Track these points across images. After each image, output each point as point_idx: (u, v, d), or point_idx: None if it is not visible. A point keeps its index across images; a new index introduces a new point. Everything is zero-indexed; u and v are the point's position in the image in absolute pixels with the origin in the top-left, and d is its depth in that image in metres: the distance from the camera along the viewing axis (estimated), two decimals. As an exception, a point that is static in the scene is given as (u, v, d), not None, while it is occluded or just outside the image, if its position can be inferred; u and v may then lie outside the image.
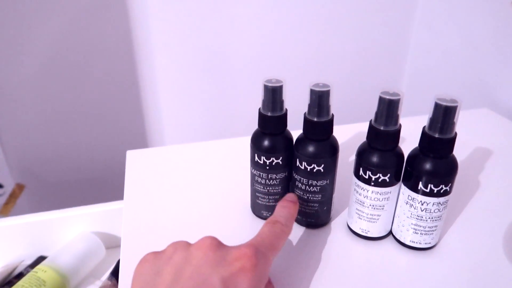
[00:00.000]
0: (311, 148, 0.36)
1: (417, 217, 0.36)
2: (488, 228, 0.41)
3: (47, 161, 0.87)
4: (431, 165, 0.33)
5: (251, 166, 0.40)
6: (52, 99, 0.81)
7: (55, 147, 0.86)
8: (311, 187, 0.38)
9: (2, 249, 0.56)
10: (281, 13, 0.82)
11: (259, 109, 0.37)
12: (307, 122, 0.36)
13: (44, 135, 0.84)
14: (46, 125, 0.83)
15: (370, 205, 0.37)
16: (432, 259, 0.37)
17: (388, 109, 0.33)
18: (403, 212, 0.37)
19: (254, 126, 0.39)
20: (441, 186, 0.34)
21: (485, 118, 0.66)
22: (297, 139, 0.38)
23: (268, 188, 0.39)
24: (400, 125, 0.34)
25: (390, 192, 0.36)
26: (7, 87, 0.77)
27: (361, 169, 0.36)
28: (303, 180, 0.38)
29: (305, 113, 0.36)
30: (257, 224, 0.41)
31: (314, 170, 0.37)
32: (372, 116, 0.35)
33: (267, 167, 0.38)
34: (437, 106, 0.32)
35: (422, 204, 0.35)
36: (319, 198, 0.38)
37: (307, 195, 0.38)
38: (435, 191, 0.34)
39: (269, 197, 0.40)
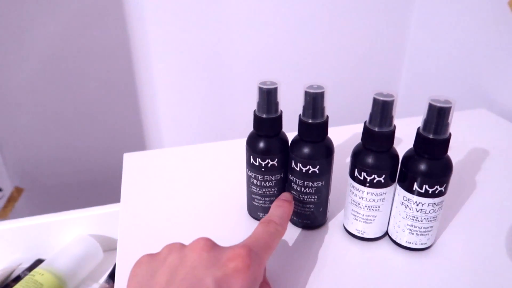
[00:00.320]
0: (306, 150, 0.36)
1: (413, 218, 0.36)
2: (484, 229, 0.41)
3: (46, 164, 0.87)
4: (426, 166, 0.33)
5: (247, 168, 0.40)
6: (50, 102, 0.81)
7: (53, 151, 0.86)
8: (307, 189, 0.38)
9: (-1, 253, 0.56)
10: (277, 16, 0.82)
11: (254, 111, 0.37)
12: (302, 124, 0.36)
13: (42, 138, 0.84)
14: (44, 128, 0.83)
15: (366, 206, 0.37)
16: (428, 259, 0.37)
17: (382, 110, 0.33)
18: (398, 213, 0.37)
19: (251, 128, 0.39)
20: (436, 187, 0.34)
21: (483, 118, 0.67)
22: (292, 141, 0.38)
23: (264, 189, 0.39)
24: (395, 126, 0.34)
25: (386, 193, 0.36)
26: (5, 91, 0.77)
27: (356, 170, 0.36)
28: (298, 181, 0.38)
29: (300, 115, 0.36)
30: (253, 226, 0.41)
31: (310, 172, 0.37)
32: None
33: (263, 169, 0.38)
34: (431, 107, 0.32)
35: (417, 205, 0.35)
36: (315, 199, 0.38)
37: (303, 196, 0.38)
38: (430, 192, 0.34)
39: (265, 198, 0.40)
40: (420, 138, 0.34)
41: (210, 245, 0.28)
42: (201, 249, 0.28)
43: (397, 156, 0.35)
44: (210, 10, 0.79)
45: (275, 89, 0.36)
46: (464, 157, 0.55)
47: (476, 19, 0.72)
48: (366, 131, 0.35)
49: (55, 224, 0.56)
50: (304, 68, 0.89)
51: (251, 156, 0.38)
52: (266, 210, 0.41)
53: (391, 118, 0.34)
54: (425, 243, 0.37)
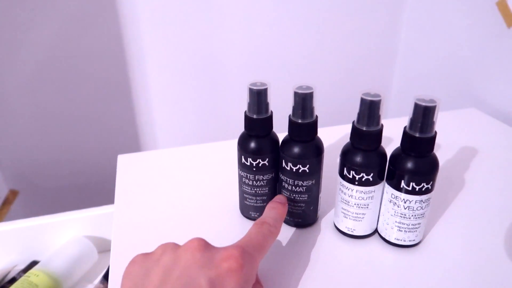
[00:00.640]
0: (296, 149, 0.37)
1: (401, 215, 0.36)
2: (472, 226, 0.42)
3: (41, 166, 0.87)
4: (413, 164, 0.34)
5: (239, 168, 0.40)
6: (44, 104, 0.81)
7: (48, 153, 0.86)
8: (297, 187, 0.38)
9: (-5, 255, 0.57)
10: (269, 18, 0.83)
11: (245, 112, 0.38)
12: (291, 124, 0.37)
13: (37, 141, 0.84)
14: (39, 130, 0.84)
15: (355, 204, 0.37)
16: (417, 256, 0.38)
17: (369, 110, 0.34)
18: (387, 210, 0.37)
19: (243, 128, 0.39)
20: (422, 184, 0.34)
21: (472, 117, 0.68)
22: (283, 141, 0.38)
23: (255, 189, 0.40)
24: (382, 125, 0.35)
25: (374, 191, 0.37)
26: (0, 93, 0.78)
27: (345, 169, 0.36)
28: (289, 180, 0.38)
29: (289, 115, 0.37)
30: (246, 225, 0.42)
31: (300, 171, 0.37)
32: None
33: (254, 169, 0.39)
34: (416, 106, 0.33)
35: (405, 202, 0.36)
36: (306, 198, 0.39)
37: (294, 195, 0.39)
38: (417, 189, 0.35)
39: (257, 198, 0.41)
40: (406, 136, 0.34)
41: (204, 245, 0.29)
42: (194, 249, 0.28)
43: (385, 154, 0.36)
44: (203, 12, 0.79)
45: (265, 90, 0.37)
46: (453, 155, 0.55)
47: (466, 20, 0.73)
48: (354, 130, 0.36)
49: (50, 226, 0.57)
50: (296, 70, 0.90)
51: (243, 156, 0.39)
52: (258, 209, 0.41)
53: (378, 117, 0.34)
54: (414, 240, 0.38)
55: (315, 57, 0.90)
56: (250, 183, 0.40)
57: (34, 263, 0.57)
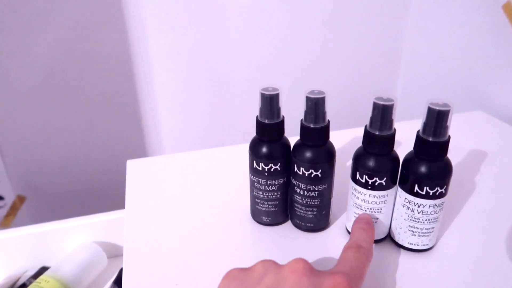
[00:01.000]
0: (308, 154, 0.37)
1: (414, 219, 0.36)
2: (485, 229, 0.42)
3: (48, 172, 0.87)
4: (426, 168, 0.34)
5: (250, 172, 0.40)
6: (51, 110, 0.81)
7: (55, 158, 0.87)
8: (310, 192, 0.38)
9: (4, 261, 0.57)
10: (277, 22, 0.83)
11: (257, 117, 0.38)
12: (304, 129, 0.37)
13: (44, 146, 0.85)
14: (46, 136, 0.84)
15: (368, 208, 0.37)
16: (430, 260, 0.38)
17: (382, 114, 0.34)
18: (400, 214, 0.37)
19: (252, 133, 0.40)
20: (436, 188, 0.34)
21: (480, 120, 0.67)
22: (295, 145, 0.38)
23: (267, 194, 0.40)
24: (395, 129, 0.35)
25: (387, 195, 0.37)
26: (7, 99, 0.78)
27: (358, 173, 0.36)
28: (301, 185, 0.38)
29: (301, 120, 0.37)
30: (257, 230, 0.42)
31: (312, 176, 0.37)
32: (367, 121, 0.36)
33: (266, 173, 0.39)
34: (430, 111, 0.33)
35: (418, 207, 0.36)
36: (318, 202, 0.39)
37: (306, 200, 0.39)
38: (430, 194, 0.35)
39: (269, 202, 0.41)
40: (420, 141, 0.34)
41: (309, 269, 0.28)
42: (301, 273, 0.27)
43: (397, 158, 0.36)
44: (210, 17, 0.79)
45: (277, 95, 0.37)
46: (462, 158, 0.55)
47: (471, 23, 0.74)
48: (367, 135, 0.36)
49: (59, 232, 0.57)
50: (303, 74, 0.90)
51: (254, 161, 0.39)
52: (269, 214, 0.41)
53: (391, 122, 0.34)
54: (427, 244, 0.38)
55: (321, 61, 0.90)
56: (262, 188, 0.40)
57: (43, 269, 0.57)
